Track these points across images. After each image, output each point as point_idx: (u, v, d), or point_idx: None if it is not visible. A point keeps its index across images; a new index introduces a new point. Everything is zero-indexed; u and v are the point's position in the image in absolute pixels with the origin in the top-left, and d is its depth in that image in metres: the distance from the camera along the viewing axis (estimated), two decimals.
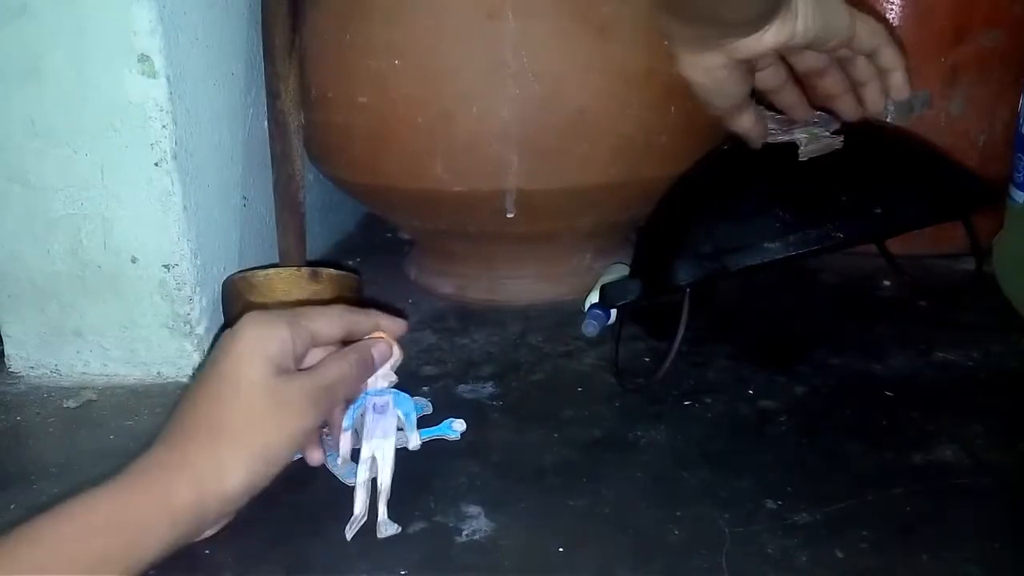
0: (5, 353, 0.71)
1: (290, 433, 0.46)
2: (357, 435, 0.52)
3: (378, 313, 0.55)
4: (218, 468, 0.44)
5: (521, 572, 0.45)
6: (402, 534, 0.48)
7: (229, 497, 0.45)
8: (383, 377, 0.53)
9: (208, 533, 0.47)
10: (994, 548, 0.46)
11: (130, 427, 0.62)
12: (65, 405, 0.66)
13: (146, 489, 0.43)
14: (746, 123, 0.63)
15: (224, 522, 0.48)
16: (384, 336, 0.54)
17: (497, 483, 0.52)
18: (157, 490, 0.43)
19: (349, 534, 0.45)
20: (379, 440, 0.48)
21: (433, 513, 0.50)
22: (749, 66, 0.59)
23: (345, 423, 0.50)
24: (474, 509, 0.50)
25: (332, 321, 0.52)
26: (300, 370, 0.49)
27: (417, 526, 0.49)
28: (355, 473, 0.51)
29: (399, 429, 0.50)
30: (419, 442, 0.50)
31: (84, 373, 0.70)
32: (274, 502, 0.52)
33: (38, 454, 0.59)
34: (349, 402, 0.53)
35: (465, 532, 0.49)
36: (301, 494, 0.53)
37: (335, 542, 0.48)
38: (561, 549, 0.47)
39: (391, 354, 0.54)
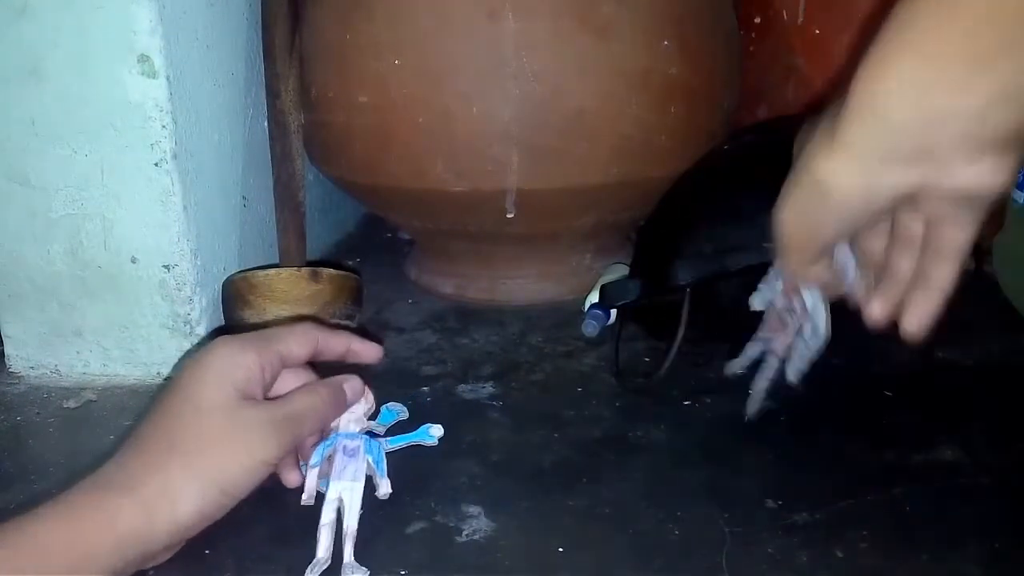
0: (5, 353, 0.71)
1: (249, 462, 0.43)
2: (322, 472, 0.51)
3: (351, 335, 0.54)
4: (168, 493, 0.41)
5: (521, 572, 0.45)
6: (402, 534, 0.48)
7: (179, 524, 0.42)
8: (355, 421, 0.53)
9: (157, 561, 0.44)
10: (994, 548, 0.45)
11: (130, 427, 0.62)
12: (65, 405, 0.66)
13: (92, 511, 0.40)
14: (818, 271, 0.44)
15: (174, 551, 0.44)
16: (357, 379, 0.54)
17: (497, 483, 0.52)
18: (102, 513, 0.40)
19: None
20: (348, 483, 0.47)
21: (433, 513, 0.50)
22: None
23: (313, 459, 0.50)
24: (474, 509, 0.50)
25: (302, 340, 0.50)
26: (268, 399, 0.47)
27: (417, 526, 0.49)
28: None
29: (368, 476, 0.49)
30: (389, 490, 0.50)
31: (84, 373, 0.70)
32: (274, 502, 0.52)
33: (38, 454, 0.59)
34: (317, 440, 0.52)
35: (465, 532, 0.49)
36: (301, 495, 0.53)
37: (335, 542, 0.48)
38: (561, 549, 0.47)
39: (363, 392, 0.53)
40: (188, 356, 0.68)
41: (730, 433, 0.58)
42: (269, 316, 0.68)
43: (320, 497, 0.49)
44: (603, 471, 0.54)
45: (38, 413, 0.65)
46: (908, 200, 0.36)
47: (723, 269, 0.59)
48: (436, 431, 0.58)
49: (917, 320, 0.41)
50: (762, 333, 0.53)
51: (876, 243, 0.43)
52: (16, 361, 0.70)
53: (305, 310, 0.69)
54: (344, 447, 0.50)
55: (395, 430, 0.59)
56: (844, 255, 0.44)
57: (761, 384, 0.53)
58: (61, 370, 0.70)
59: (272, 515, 0.51)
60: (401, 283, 0.89)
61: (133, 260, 0.66)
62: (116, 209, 0.65)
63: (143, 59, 0.61)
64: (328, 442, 0.51)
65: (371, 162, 0.74)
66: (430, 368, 0.69)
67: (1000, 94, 0.31)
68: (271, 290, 0.68)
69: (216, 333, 0.70)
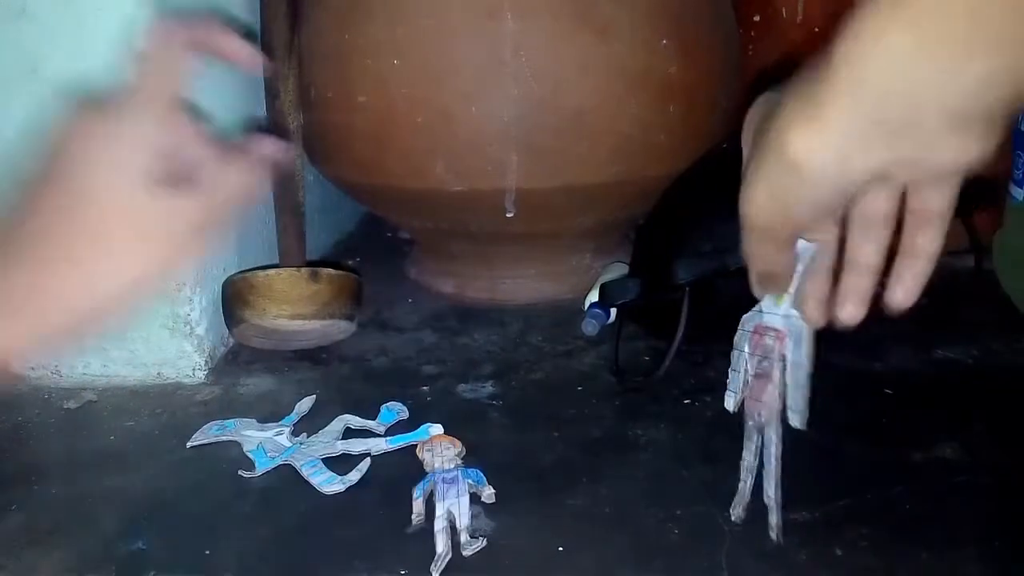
0: None
1: (156, 270, 0.35)
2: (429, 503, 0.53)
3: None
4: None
5: (521, 572, 0.45)
6: (402, 534, 0.48)
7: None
8: (448, 460, 0.55)
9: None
10: (994, 547, 0.45)
11: (130, 428, 0.62)
12: (65, 406, 0.66)
13: None
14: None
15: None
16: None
17: (497, 483, 0.52)
18: None
19: (435, 572, 0.45)
20: (453, 499, 0.50)
21: (434, 513, 0.50)
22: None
23: (416, 494, 0.52)
24: (474, 509, 0.50)
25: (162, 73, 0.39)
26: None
27: (417, 526, 0.49)
28: (332, 482, 0.53)
29: (472, 492, 0.52)
30: (492, 492, 0.52)
31: (84, 374, 0.69)
32: (274, 502, 0.52)
33: (38, 455, 0.60)
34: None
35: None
36: (301, 495, 0.53)
37: (335, 542, 0.48)
38: (561, 549, 0.47)
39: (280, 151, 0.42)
40: (187, 357, 0.68)
41: (730, 433, 0.58)
42: (269, 316, 0.68)
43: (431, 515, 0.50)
44: (603, 471, 0.54)
45: (38, 413, 0.65)
46: (883, 175, 0.33)
47: (722, 267, 0.59)
48: (436, 430, 0.58)
49: (905, 291, 0.38)
50: (749, 423, 0.47)
51: (826, 236, 0.40)
52: None
53: (305, 310, 0.69)
54: (442, 479, 0.52)
55: (395, 430, 0.60)
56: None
57: (772, 491, 0.46)
58: (61, 371, 0.70)
59: (272, 515, 0.51)
60: (401, 283, 0.89)
61: None
62: None
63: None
64: (424, 482, 0.52)
65: (371, 162, 0.74)
66: (430, 368, 0.69)
67: (1003, 69, 0.29)
68: (271, 290, 0.68)
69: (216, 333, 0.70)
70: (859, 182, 0.33)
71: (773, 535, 0.45)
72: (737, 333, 0.46)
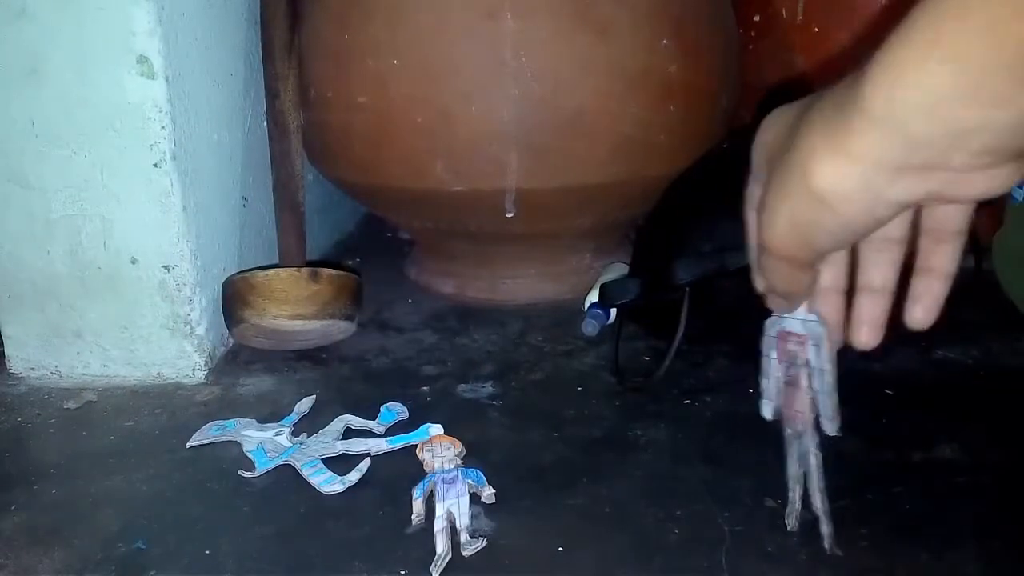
0: (6, 354, 0.71)
1: None
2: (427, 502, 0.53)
3: None
4: None
5: (521, 572, 0.45)
6: (402, 534, 0.48)
7: None
8: (448, 461, 0.55)
9: None
10: (994, 548, 0.45)
11: (130, 428, 0.62)
12: (65, 406, 0.66)
13: None
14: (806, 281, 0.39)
15: None
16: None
17: (497, 483, 0.52)
18: None
19: (435, 572, 0.45)
20: (453, 499, 0.50)
21: (433, 513, 0.50)
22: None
23: (416, 494, 0.52)
24: (474, 509, 0.50)
25: None
26: None
27: (417, 526, 0.49)
28: (332, 482, 0.53)
29: (472, 492, 0.52)
30: (492, 492, 0.52)
31: (84, 374, 0.70)
32: (274, 502, 0.52)
33: (38, 455, 0.59)
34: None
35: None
36: (301, 495, 0.53)
37: (335, 542, 0.48)
38: (561, 549, 0.47)
39: None
40: (187, 357, 0.68)
41: (730, 432, 0.58)
42: (269, 316, 0.68)
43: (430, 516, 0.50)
44: (603, 471, 0.54)
45: (38, 414, 0.65)
46: (909, 206, 0.33)
47: (722, 268, 0.59)
48: (435, 431, 0.58)
49: (924, 310, 0.38)
50: (788, 431, 0.46)
51: (834, 270, 0.39)
52: (16, 362, 0.70)
53: (305, 310, 0.69)
54: (442, 479, 0.52)
55: (395, 430, 0.60)
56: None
57: (818, 502, 0.45)
58: (61, 371, 0.70)
59: (272, 515, 0.51)
60: (401, 283, 0.89)
61: (133, 261, 0.66)
62: (115, 210, 0.65)
63: (142, 60, 0.61)
64: (425, 481, 0.52)
65: (370, 162, 0.74)
66: (430, 368, 0.69)
67: None
68: (271, 290, 0.68)
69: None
70: (885, 217, 0.32)
71: (826, 545, 0.44)
72: (763, 339, 0.45)
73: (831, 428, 0.43)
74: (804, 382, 0.44)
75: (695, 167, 0.71)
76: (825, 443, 0.44)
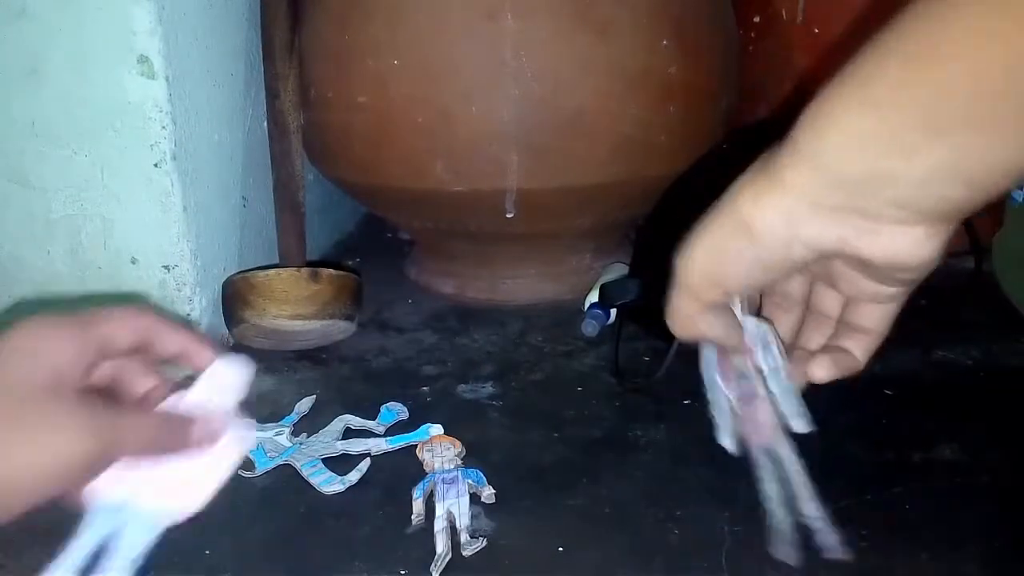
0: None
1: (42, 461, 0.34)
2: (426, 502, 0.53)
3: (189, 334, 0.40)
4: None
5: (521, 572, 0.45)
6: (402, 534, 0.48)
7: None
8: (448, 460, 0.55)
9: None
10: (994, 548, 0.45)
11: None
12: None
13: None
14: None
15: None
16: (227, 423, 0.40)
17: (497, 483, 0.52)
18: None
19: (435, 572, 0.45)
20: (453, 499, 0.50)
21: (433, 513, 0.50)
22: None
23: (416, 494, 0.52)
24: (474, 509, 0.50)
25: (127, 326, 0.40)
26: (89, 390, 0.38)
27: (417, 526, 0.49)
28: (332, 482, 0.53)
29: (472, 492, 0.52)
30: (492, 492, 0.52)
31: None
32: (274, 502, 0.52)
33: None
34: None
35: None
36: (301, 495, 0.53)
37: (335, 542, 0.48)
38: (561, 549, 0.47)
39: (217, 437, 0.39)
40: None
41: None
42: (269, 316, 0.68)
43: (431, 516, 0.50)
44: (603, 471, 0.54)
45: None
46: (825, 262, 0.34)
47: None
48: (436, 430, 0.58)
49: (825, 374, 0.39)
50: (754, 451, 0.42)
51: (786, 317, 0.40)
52: None
53: (305, 310, 0.69)
54: (442, 479, 0.52)
55: (395, 430, 0.60)
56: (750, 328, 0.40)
57: (812, 509, 0.41)
58: None
59: (272, 515, 0.51)
60: (401, 283, 0.89)
61: (133, 261, 0.66)
62: (116, 210, 0.65)
63: (142, 60, 0.61)
64: (424, 482, 0.52)
65: (370, 162, 0.74)
66: (430, 368, 0.69)
67: (948, 167, 0.29)
68: (271, 290, 0.68)
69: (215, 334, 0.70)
70: (798, 257, 0.33)
71: (840, 555, 0.38)
72: (701, 370, 0.43)
73: (801, 425, 0.41)
74: (761, 389, 0.41)
75: (695, 167, 0.71)
76: (819, 449, 0.43)
